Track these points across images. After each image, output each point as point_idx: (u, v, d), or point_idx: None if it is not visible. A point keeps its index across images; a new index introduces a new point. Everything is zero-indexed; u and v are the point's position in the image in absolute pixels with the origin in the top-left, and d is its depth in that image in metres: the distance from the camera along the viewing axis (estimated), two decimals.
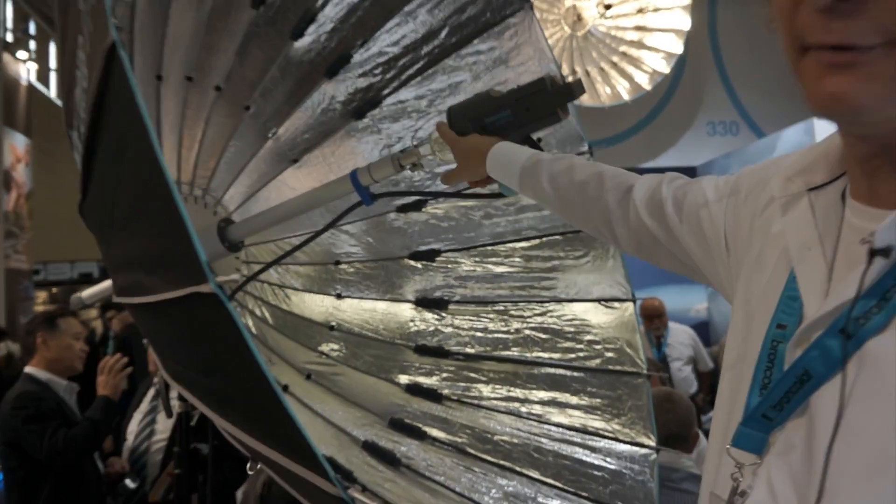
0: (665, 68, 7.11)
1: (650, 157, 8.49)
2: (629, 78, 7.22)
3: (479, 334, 2.16)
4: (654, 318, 5.34)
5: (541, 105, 1.38)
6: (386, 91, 2.20)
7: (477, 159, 1.39)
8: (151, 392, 3.62)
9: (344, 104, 2.23)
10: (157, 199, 0.94)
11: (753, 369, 0.70)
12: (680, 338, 5.46)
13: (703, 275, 0.96)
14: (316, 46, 2.14)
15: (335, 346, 2.33)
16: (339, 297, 2.40)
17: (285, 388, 2.18)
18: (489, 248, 2.21)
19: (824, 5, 0.57)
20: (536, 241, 2.11)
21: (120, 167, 1.12)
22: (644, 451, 1.83)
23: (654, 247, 1.02)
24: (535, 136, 1.45)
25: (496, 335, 2.13)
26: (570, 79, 1.47)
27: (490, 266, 2.20)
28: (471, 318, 2.19)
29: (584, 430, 1.90)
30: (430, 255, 2.27)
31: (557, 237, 2.06)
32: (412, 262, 2.31)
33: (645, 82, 7.18)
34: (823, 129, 5.46)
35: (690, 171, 8.00)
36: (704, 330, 7.37)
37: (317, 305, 2.41)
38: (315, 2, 2.04)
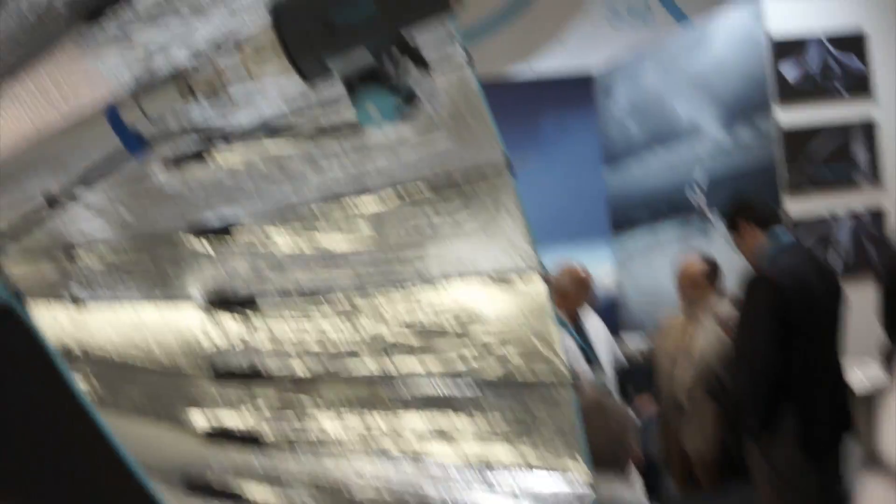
0: None
1: (521, 56, 8.64)
2: None
3: (312, 345, 2.34)
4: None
5: None
6: None
7: None
8: None
9: None
10: None
11: None
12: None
13: None
14: None
15: (80, 385, 2.33)
16: (77, 303, 2.51)
17: None
18: (319, 211, 2.35)
19: None
20: (393, 197, 2.29)
21: None
22: (577, 491, 2.08)
23: None
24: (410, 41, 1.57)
25: (339, 343, 2.32)
26: None
27: (322, 240, 2.36)
28: (297, 319, 2.37)
29: (486, 466, 2.13)
30: (225, 229, 2.41)
31: (423, 188, 2.27)
32: (196, 242, 2.44)
33: None
34: (779, 11, 6.03)
35: (585, 82, 8.42)
36: (611, 314, 7.76)
37: (43, 320, 2.45)
38: None
